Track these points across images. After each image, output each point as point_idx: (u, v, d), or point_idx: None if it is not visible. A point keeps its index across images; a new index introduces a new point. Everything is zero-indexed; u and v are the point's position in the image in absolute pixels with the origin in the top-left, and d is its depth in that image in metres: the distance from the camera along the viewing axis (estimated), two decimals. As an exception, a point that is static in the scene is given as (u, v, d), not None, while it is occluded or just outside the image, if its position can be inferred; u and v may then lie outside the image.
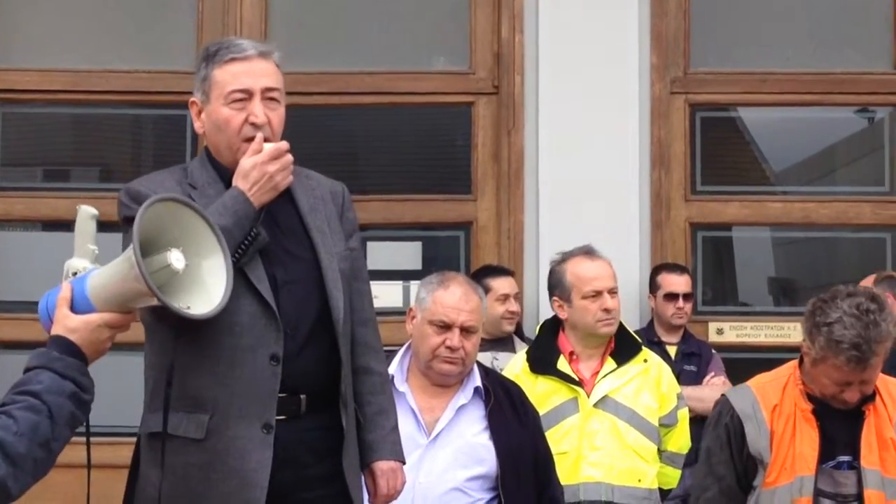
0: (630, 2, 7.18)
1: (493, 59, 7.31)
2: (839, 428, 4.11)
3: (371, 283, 6.95)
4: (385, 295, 6.98)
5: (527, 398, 4.79)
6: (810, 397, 4.15)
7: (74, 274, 2.96)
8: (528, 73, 7.19)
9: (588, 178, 7.04)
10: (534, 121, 7.16)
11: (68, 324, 2.85)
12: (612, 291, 5.19)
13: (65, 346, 2.81)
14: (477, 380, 4.65)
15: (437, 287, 4.62)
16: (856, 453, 4.07)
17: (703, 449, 4.32)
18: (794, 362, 4.23)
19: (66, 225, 7.37)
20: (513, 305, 6.59)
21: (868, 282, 6.68)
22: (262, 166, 3.65)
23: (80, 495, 3.24)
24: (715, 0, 7.51)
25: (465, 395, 4.62)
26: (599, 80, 7.10)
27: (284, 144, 3.71)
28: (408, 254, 7.36)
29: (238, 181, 3.65)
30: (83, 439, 2.98)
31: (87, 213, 3.06)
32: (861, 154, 7.84)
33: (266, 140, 3.70)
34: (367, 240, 7.30)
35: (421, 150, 7.71)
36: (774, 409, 4.13)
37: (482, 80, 7.34)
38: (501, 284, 6.59)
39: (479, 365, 4.75)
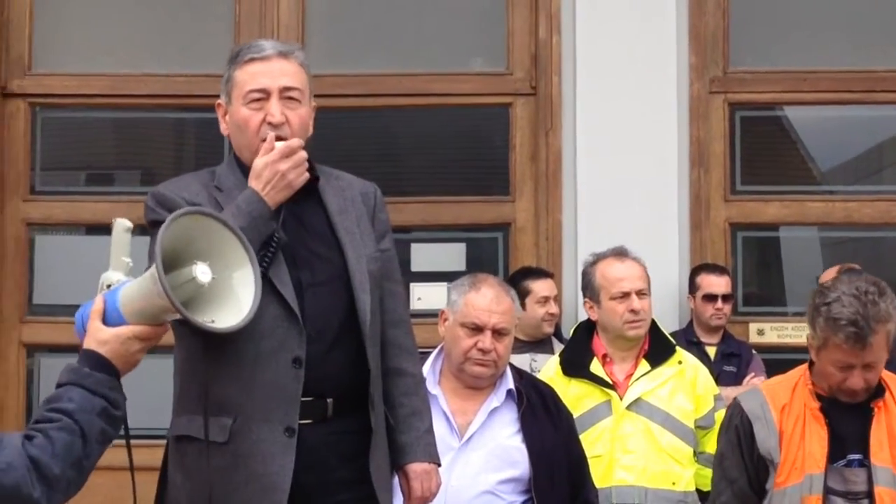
0: (668, 1, 7.15)
1: (530, 59, 7.29)
2: (849, 426, 4.08)
3: (415, 284, 6.99)
4: (428, 296, 6.99)
5: (560, 400, 4.76)
6: (819, 396, 4.12)
7: (108, 286, 2.97)
8: (566, 73, 7.17)
9: (626, 178, 7.01)
10: (571, 121, 7.14)
11: (99, 336, 2.86)
12: (641, 293, 5.15)
13: (95, 360, 2.83)
14: (510, 382, 4.62)
15: (468, 289, 4.60)
16: (866, 451, 4.04)
17: (717, 454, 4.32)
18: (805, 364, 4.22)
19: (107, 229, 7.48)
20: (552, 307, 6.58)
21: (831, 273, 6.72)
22: (274, 165, 3.63)
23: (119, 497, 3.26)
24: (754, -1, 7.47)
25: (497, 398, 4.60)
26: (637, 80, 7.07)
27: (296, 142, 3.69)
28: (452, 255, 7.35)
29: (252, 181, 3.65)
30: (122, 441, 2.99)
31: (122, 226, 3.07)
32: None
33: (283, 139, 3.68)
34: (412, 241, 7.31)
35: (459, 152, 7.70)
36: (783, 408, 4.12)
37: (520, 81, 7.33)
38: (541, 287, 6.58)
39: (512, 367, 4.73)
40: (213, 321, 2.93)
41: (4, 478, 2.60)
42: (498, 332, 4.55)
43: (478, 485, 4.49)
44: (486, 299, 4.56)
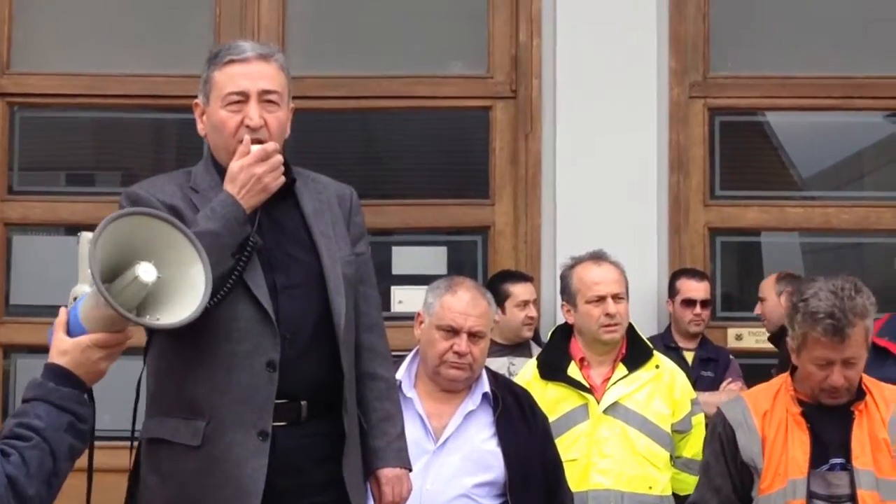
0: (648, 5, 7.15)
1: (510, 63, 7.29)
2: (831, 431, 4.11)
3: (395, 287, 6.98)
4: (409, 300, 6.97)
5: (536, 404, 4.76)
6: (801, 402, 4.15)
7: (75, 299, 2.97)
8: (546, 77, 7.17)
9: (606, 182, 7.01)
10: (551, 125, 7.14)
11: (60, 347, 2.85)
12: (617, 297, 5.15)
13: (59, 374, 2.82)
14: (485, 386, 4.62)
15: (444, 292, 4.60)
16: (848, 455, 4.07)
17: (702, 463, 4.35)
18: (787, 372, 4.24)
19: (86, 229, 7.42)
20: (532, 311, 6.58)
21: (770, 281, 6.87)
22: (250, 168, 3.63)
23: (95, 500, 3.25)
24: (734, 4, 7.46)
25: (473, 402, 4.60)
26: (617, 85, 7.07)
27: (272, 145, 3.68)
28: (433, 258, 7.35)
29: (227, 185, 3.64)
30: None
31: (88, 239, 3.06)
32: (889, 159, 7.78)
33: (260, 142, 3.67)
34: (392, 244, 7.30)
35: (439, 155, 7.70)
36: (765, 415, 4.14)
37: (500, 85, 7.32)
38: (521, 290, 6.58)
39: (488, 370, 4.72)
40: (157, 319, 2.91)
41: None
42: (474, 335, 4.54)
43: (453, 488, 4.49)
44: (463, 302, 4.56)
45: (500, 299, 6.37)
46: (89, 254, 2.80)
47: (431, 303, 4.60)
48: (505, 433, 4.56)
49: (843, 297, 3.99)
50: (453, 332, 4.54)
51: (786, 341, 6.56)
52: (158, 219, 3.00)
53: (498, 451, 4.53)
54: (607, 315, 5.11)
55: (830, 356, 4.03)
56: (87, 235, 3.04)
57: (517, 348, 6.51)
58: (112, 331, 2.86)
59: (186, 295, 2.94)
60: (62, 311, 2.93)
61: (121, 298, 2.82)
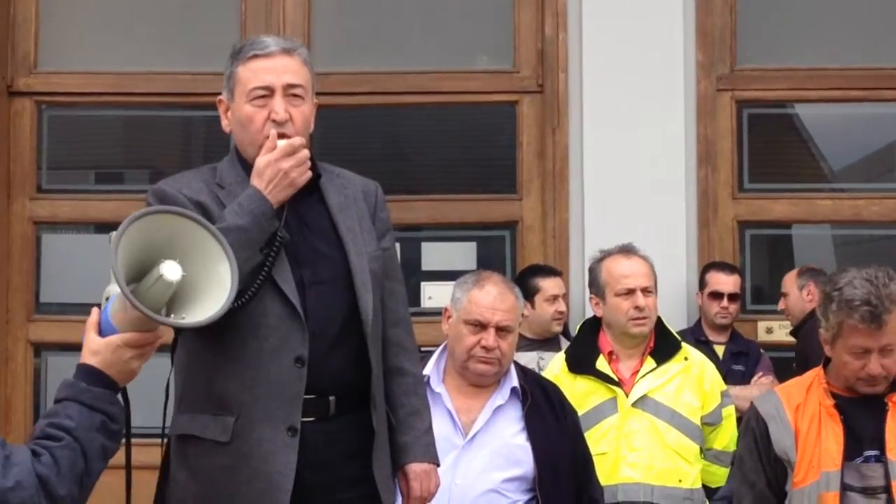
0: (675, -2, 7.13)
1: (536, 57, 7.28)
2: (864, 423, 4.07)
3: (425, 283, 6.98)
4: (439, 296, 6.96)
5: (565, 398, 4.75)
6: (834, 394, 4.12)
7: (107, 299, 2.97)
8: (573, 71, 7.16)
9: (633, 176, 6.99)
10: (578, 119, 7.12)
11: (91, 347, 2.85)
12: (646, 290, 5.15)
13: (91, 374, 2.82)
14: (514, 380, 4.61)
15: (472, 287, 4.58)
16: (882, 446, 4.04)
17: (736, 458, 4.34)
18: (820, 365, 4.21)
19: (115, 227, 7.43)
20: (561, 306, 6.57)
21: (792, 276, 6.92)
22: (276, 163, 3.62)
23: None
24: (761, -4, 7.44)
25: (501, 396, 4.58)
26: (644, 78, 7.05)
27: (298, 140, 3.67)
28: (462, 254, 7.34)
29: (254, 180, 3.64)
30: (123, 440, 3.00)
31: (113, 239, 3.06)
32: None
33: (286, 137, 3.67)
34: (422, 241, 7.30)
35: (465, 150, 7.68)
36: (798, 408, 4.11)
37: (526, 79, 7.31)
38: (551, 285, 6.57)
39: (517, 365, 4.71)
40: (183, 317, 2.90)
41: (13, 497, 2.61)
42: (502, 330, 4.53)
43: (482, 483, 4.47)
44: (490, 297, 4.54)
45: (530, 294, 6.36)
46: (111, 254, 2.80)
47: (459, 297, 4.59)
48: (534, 428, 4.54)
49: (877, 284, 3.97)
50: (481, 326, 4.52)
51: (804, 336, 6.60)
52: (183, 216, 2.99)
53: (527, 446, 4.51)
54: (636, 308, 5.10)
55: (867, 344, 4.00)
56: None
57: (546, 343, 6.50)
58: (142, 330, 2.86)
59: (214, 293, 2.93)
60: (94, 311, 2.93)
61: (147, 298, 2.81)
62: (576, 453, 4.63)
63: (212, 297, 2.91)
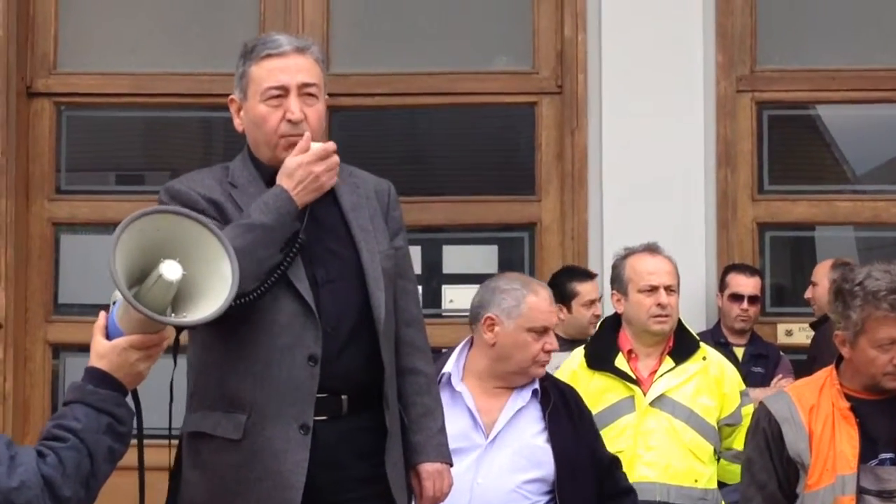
0: (695, -1, 7.11)
1: (556, 58, 7.26)
2: (880, 425, 4.05)
3: (446, 286, 6.97)
4: (460, 298, 6.96)
5: (582, 401, 4.74)
6: (848, 396, 4.08)
7: (114, 303, 2.96)
8: (592, 72, 7.14)
9: (652, 177, 6.97)
10: (597, 120, 7.10)
11: (98, 350, 2.85)
12: (670, 289, 5.14)
13: (98, 376, 2.82)
14: (536, 382, 4.60)
15: (526, 293, 4.53)
16: None
17: (745, 459, 4.28)
18: (831, 366, 4.18)
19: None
20: (598, 310, 6.59)
21: (825, 267, 6.81)
22: (308, 166, 3.61)
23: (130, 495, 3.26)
24: (781, -4, 7.41)
25: (523, 398, 4.56)
26: (664, 79, 7.03)
27: (332, 145, 3.67)
28: (483, 257, 7.34)
29: (282, 179, 3.62)
30: (135, 441, 2.98)
31: (111, 241, 3.05)
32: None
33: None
34: (443, 243, 7.29)
35: (484, 151, 7.67)
36: (812, 409, 4.08)
37: (545, 80, 7.29)
38: (588, 289, 6.58)
39: None
40: (185, 316, 2.89)
41: (18, 497, 2.60)
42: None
43: (505, 484, 4.45)
44: (546, 301, 4.56)
45: (567, 297, 6.38)
46: (110, 256, 2.79)
47: (515, 305, 4.51)
48: (555, 429, 4.53)
49: (895, 275, 3.96)
50: (545, 331, 4.53)
51: (823, 332, 6.57)
52: (180, 215, 2.97)
53: (548, 448, 4.49)
54: (659, 305, 5.10)
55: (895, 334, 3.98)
56: None
57: (577, 344, 6.49)
58: (147, 332, 2.85)
59: (217, 290, 2.91)
60: (101, 314, 2.93)
61: (148, 299, 2.80)
62: (597, 457, 4.61)
63: (215, 295, 2.90)
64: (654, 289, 5.13)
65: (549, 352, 4.52)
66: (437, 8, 7.51)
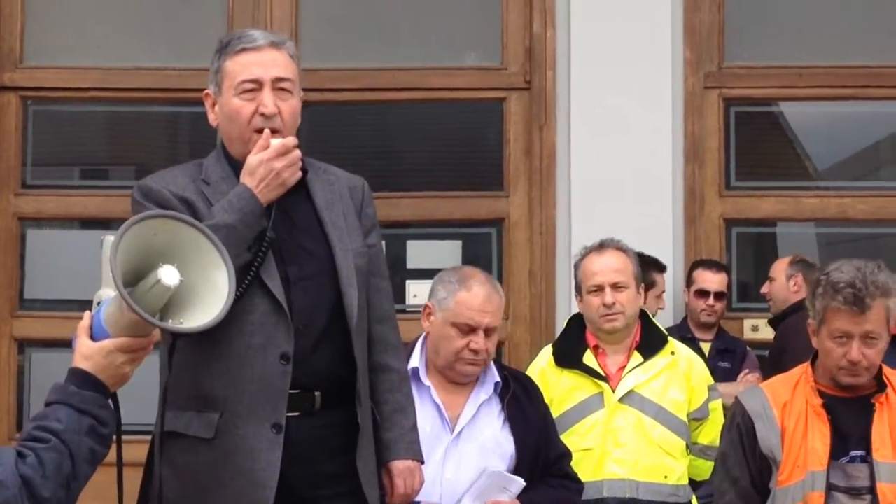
0: (663, -5, 7.13)
1: (524, 54, 7.26)
2: (851, 423, 4.09)
3: (410, 281, 6.97)
4: (424, 293, 6.92)
5: (538, 390, 4.78)
6: (821, 393, 4.12)
7: (99, 304, 2.95)
8: (560, 68, 7.14)
9: (620, 173, 6.98)
10: (566, 116, 7.11)
11: (83, 351, 2.85)
12: (616, 286, 5.09)
13: (81, 377, 2.81)
14: (496, 375, 4.61)
15: (458, 287, 4.54)
16: (868, 447, 4.05)
17: (719, 453, 4.32)
18: (808, 362, 4.21)
19: (99, 223, 7.38)
20: (662, 302, 6.77)
21: (783, 263, 6.90)
22: (269, 163, 3.61)
23: (112, 494, 3.25)
24: (749, -7, 7.44)
25: (485, 391, 4.58)
26: (632, 75, 7.04)
27: (292, 140, 3.67)
28: (448, 252, 7.33)
29: (245, 178, 3.63)
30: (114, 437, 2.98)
31: (111, 243, 3.04)
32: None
33: (276, 131, 3.66)
34: (407, 238, 7.28)
35: (453, 147, 7.67)
36: (785, 406, 4.12)
37: (514, 76, 7.30)
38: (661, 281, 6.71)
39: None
40: (181, 322, 2.89)
41: None
42: (489, 330, 4.52)
43: (472, 477, 4.46)
44: (479, 299, 4.51)
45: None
46: (110, 259, 2.77)
47: (445, 298, 4.54)
48: (515, 419, 4.56)
49: (865, 271, 4.01)
50: (471, 329, 4.50)
51: (783, 331, 6.63)
52: (181, 221, 2.97)
53: (511, 438, 4.53)
54: (604, 305, 5.08)
55: (849, 329, 4.02)
56: (109, 239, 3.00)
57: None
58: (136, 335, 2.84)
59: (209, 297, 2.91)
60: (86, 315, 2.93)
61: (144, 302, 2.80)
62: (549, 439, 4.64)
63: (205, 302, 2.90)
64: (599, 288, 5.10)
65: (475, 351, 4.48)
66: (405, 4, 7.51)
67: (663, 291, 6.78)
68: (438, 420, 4.51)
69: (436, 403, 4.53)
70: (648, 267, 6.58)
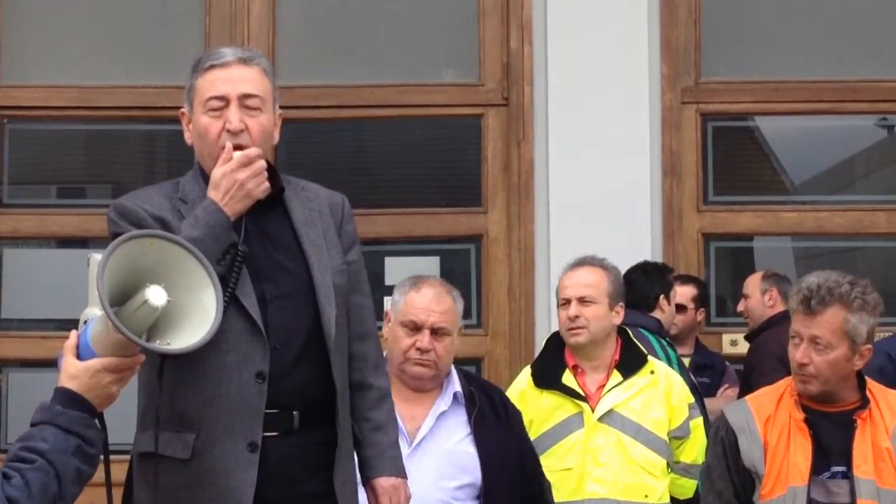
0: (640, 11, 7.12)
1: (502, 70, 7.27)
2: (833, 438, 4.08)
3: (388, 298, 6.95)
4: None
5: (509, 401, 4.77)
6: (805, 408, 4.11)
7: (86, 322, 2.93)
8: (538, 83, 7.15)
9: (599, 188, 6.98)
10: (543, 132, 7.11)
11: (69, 371, 2.83)
12: (583, 300, 5.09)
13: (67, 397, 2.80)
14: (456, 385, 4.59)
15: (409, 289, 4.57)
16: (849, 463, 4.05)
17: (704, 466, 4.35)
18: (791, 377, 4.20)
19: (77, 242, 7.33)
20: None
21: (756, 279, 6.94)
22: (232, 174, 3.59)
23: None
24: (726, 9, 7.45)
25: (444, 402, 4.57)
26: (609, 91, 7.05)
27: (253, 151, 3.63)
28: (426, 268, 7.31)
29: (210, 192, 3.61)
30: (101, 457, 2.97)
31: (98, 262, 3.02)
32: (882, 164, 7.77)
33: (242, 148, 3.63)
34: (385, 255, 7.27)
35: (431, 163, 7.68)
36: (768, 420, 4.12)
37: (491, 92, 7.30)
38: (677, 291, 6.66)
39: (459, 370, 4.69)
40: (168, 343, 2.87)
41: None
42: (437, 332, 4.50)
43: (433, 491, 4.44)
44: (426, 298, 4.52)
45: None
46: (97, 278, 2.76)
47: (397, 300, 4.58)
48: (481, 435, 4.53)
49: (834, 280, 4.04)
50: (416, 328, 4.50)
51: (755, 347, 6.66)
52: (169, 241, 2.96)
53: (474, 453, 4.50)
54: (568, 318, 5.08)
55: (800, 330, 4.05)
56: (96, 258, 2.99)
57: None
58: (123, 355, 2.83)
59: (196, 318, 2.90)
60: (72, 334, 2.91)
61: (131, 323, 2.79)
62: (523, 456, 4.62)
63: (191, 323, 2.88)
64: (567, 301, 5.12)
65: (420, 349, 4.47)
66: (383, 21, 7.50)
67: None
68: (400, 432, 4.48)
69: (397, 415, 4.51)
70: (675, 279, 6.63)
